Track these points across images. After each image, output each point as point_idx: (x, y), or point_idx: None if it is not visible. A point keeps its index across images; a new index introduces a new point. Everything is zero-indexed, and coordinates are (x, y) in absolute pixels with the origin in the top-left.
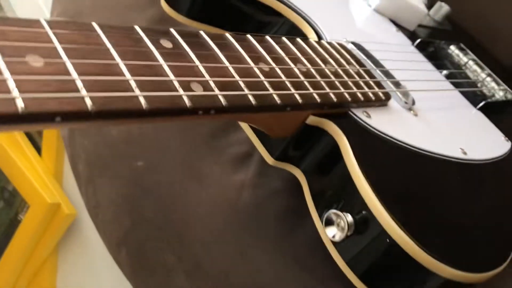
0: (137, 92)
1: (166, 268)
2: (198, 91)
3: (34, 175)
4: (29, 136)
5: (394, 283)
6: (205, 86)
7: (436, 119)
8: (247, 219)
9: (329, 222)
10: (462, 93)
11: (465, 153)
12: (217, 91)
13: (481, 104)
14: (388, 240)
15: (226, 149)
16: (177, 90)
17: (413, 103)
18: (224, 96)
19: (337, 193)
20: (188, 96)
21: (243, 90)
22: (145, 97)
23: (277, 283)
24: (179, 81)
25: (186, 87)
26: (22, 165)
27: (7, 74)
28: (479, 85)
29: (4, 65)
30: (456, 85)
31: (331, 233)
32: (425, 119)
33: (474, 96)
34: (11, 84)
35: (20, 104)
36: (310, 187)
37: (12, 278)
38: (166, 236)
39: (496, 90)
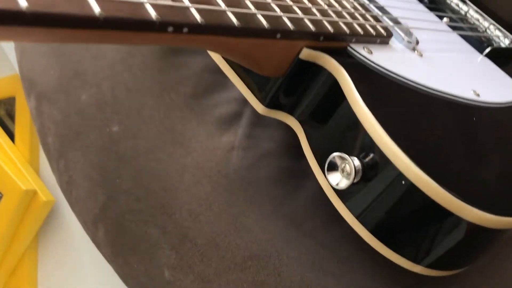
0: None
1: (149, 243)
2: (166, 2)
3: (7, 163)
4: (2, 123)
5: (410, 233)
6: None
7: (443, 61)
8: (239, 184)
9: (332, 167)
10: (466, 39)
11: (478, 95)
12: (188, 3)
13: (487, 50)
14: (403, 182)
15: (211, 109)
16: None
17: (417, 43)
18: (198, 10)
19: (339, 137)
20: (153, 5)
21: (220, 6)
22: (97, 1)
23: (275, 251)
24: None
25: None
26: None
27: None
28: (483, 32)
29: None
30: (459, 30)
31: (335, 180)
32: (432, 60)
33: (479, 42)
34: None
35: None
36: (307, 136)
37: None
38: (148, 208)
39: (501, 38)
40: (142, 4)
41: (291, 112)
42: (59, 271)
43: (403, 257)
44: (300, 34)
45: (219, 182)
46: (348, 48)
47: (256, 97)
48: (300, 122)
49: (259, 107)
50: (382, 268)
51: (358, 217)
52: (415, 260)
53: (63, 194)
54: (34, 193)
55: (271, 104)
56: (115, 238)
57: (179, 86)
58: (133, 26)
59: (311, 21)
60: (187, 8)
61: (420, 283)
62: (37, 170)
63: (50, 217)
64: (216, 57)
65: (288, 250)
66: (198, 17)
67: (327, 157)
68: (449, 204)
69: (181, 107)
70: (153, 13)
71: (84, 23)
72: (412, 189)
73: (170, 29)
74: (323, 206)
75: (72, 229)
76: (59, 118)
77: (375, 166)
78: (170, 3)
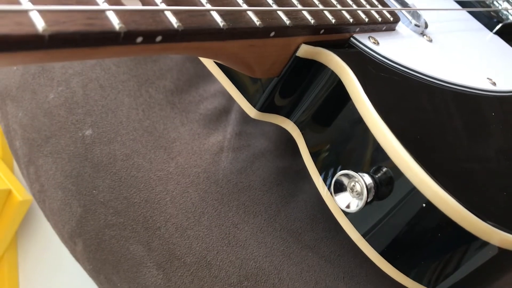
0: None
1: (132, 261)
2: (133, 5)
3: None
4: None
5: (426, 258)
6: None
7: (453, 45)
8: (230, 191)
9: (339, 188)
10: (475, 15)
11: (494, 84)
12: (163, 5)
13: (497, 27)
14: (424, 205)
15: (195, 105)
16: (97, 3)
17: (426, 26)
18: (175, 14)
19: (345, 146)
20: (117, 12)
21: (202, 5)
22: (41, 12)
23: (274, 269)
24: None
25: (114, 0)
26: None
27: None
28: (491, 5)
29: None
30: (467, 5)
31: (344, 202)
32: (441, 45)
33: (488, 18)
34: None
35: None
36: (307, 142)
37: None
38: (129, 222)
39: (510, 11)
40: (103, 12)
41: (288, 115)
42: (41, 270)
43: (415, 281)
44: (298, 29)
45: (208, 191)
46: (352, 39)
47: (248, 100)
48: (299, 127)
49: (251, 111)
50: (390, 281)
51: (366, 237)
52: (428, 284)
53: (36, 203)
54: (9, 192)
55: (264, 107)
56: (95, 255)
57: (159, 80)
58: (87, 41)
59: (310, 12)
60: (161, 11)
61: None
62: (11, 168)
63: (29, 216)
64: None
65: (288, 267)
66: (175, 22)
67: (331, 170)
68: (477, 229)
69: (161, 105)
70: (115, 22)
71: (22, 44)
72: (432, 211)
73: (139, 39)
74: (324, 211)
75: (52, 228)
76: (25, 120)
77: (390, 181)
78: (140, 7)
